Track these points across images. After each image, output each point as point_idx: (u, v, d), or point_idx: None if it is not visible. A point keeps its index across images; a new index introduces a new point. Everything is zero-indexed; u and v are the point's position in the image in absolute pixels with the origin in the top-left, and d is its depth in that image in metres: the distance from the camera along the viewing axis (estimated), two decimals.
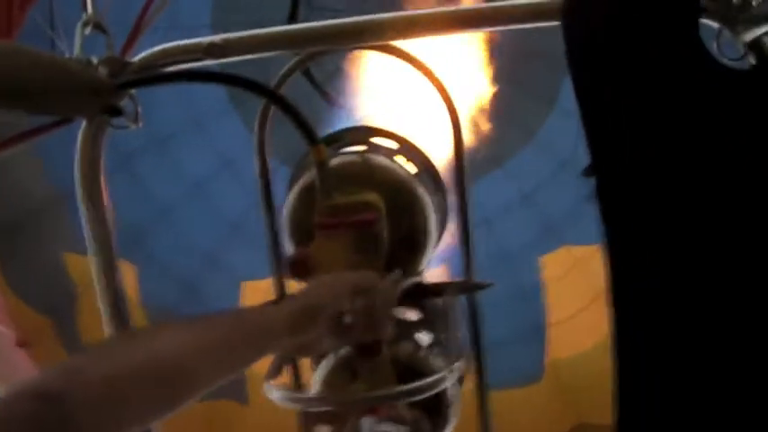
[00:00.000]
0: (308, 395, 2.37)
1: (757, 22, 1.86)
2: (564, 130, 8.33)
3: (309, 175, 2.26)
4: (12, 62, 1.98)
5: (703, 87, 1.84)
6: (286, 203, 2.38)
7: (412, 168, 2.47)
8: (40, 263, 8.70)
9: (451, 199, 2.55)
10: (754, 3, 1.85)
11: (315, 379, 2.37)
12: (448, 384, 2.15)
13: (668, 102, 1.85)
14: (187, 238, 10.09)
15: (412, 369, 2.18)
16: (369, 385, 2.08)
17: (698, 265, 1.87)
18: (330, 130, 2.59)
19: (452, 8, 2.22)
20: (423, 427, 2.19)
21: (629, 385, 1.93)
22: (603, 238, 1.92)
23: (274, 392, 2.00)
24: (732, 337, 1.85)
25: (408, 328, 2.40)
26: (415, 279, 2.39)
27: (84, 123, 2.33)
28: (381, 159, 2.40)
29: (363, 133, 2.60)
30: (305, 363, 2.54)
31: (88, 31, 2.33)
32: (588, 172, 1.89)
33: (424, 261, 2.41)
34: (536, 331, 10.09)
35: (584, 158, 1.88)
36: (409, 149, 2.54)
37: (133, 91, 2.28)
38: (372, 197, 2.15)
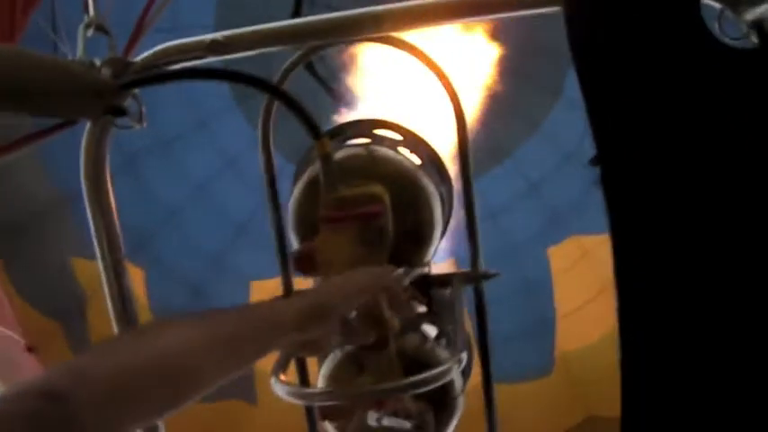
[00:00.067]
0: (314, 390, 2.37)
1: (759, 0, 1.85)
2: (569, 120, 8.32)
3: (314, 169, 2.27)
4: (15, 65, 1.99)
5: (706, 70, 1.84)
6: (291, 198, 2.39)
7: (416, 160, 2.47)
8: (47, 266, 8.70)
9: (457, 190, 2.55)
10: None
11: (321, 373, 2.38)
12: (454, 375, 2.15)
13: (671, 85, 1.85)
14: (193, 239, 10.10)
15: (418, 361, 2.18)
16: (375, 379, 2.08)
17: (704, 254, 1.87)
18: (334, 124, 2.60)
19: None
20: (428, 420, 2.20)
21: (633, 377, 1.93)
22: (609, 227, 1.93)
23: (280, 388, 2.00)
24: (738, 327, 1.85)
25: (415, 320, 2.40)
26: (421, 270, 2.40)
27: (88, 125, 2.33)
28: (385, 151, 2.40)
29: (367, 126, 2.60)
30: (311, 358, 2.55)
31: (90, 32, 2.34)
32: (594, 161, 1.89)
33: (430, 252, 2.41)
34: (545, 324, 10.08)
35: (590, 149, 1.88)
36: (413, 141, 2.54)
37: (136, 91, 2.29)
38: (377, 189, 2.16)
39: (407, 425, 2.12)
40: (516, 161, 10.34)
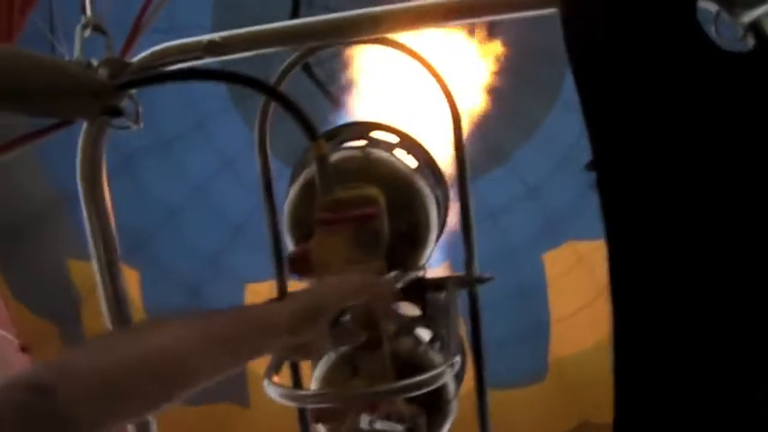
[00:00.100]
0: (307, 392, 2.37)
1: (755, 3, 1.86)
2: (567, 123, 8.33)
3: (310, 171, 2.27)
4: (12, 65, 1.99)
5: (702, 73, 1.84)
6: (287, 200, 2.39)
7: (412, 162, 2.47)
8: (43, 267, 8.71)
9: (453, 192, 2.55)
10: None
11: (314, 376, 2.37)
12: (447, 378, 2.15)
13: (667, 88, 1.85)
14: (189, 241, 10.11)
15: (412, 365, 2.18)
16: (369, 382, 2.08)
17: (701, 260, 1.87)
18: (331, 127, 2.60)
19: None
20: (421, 424, 2.20)
21: (626, 383, 1.93)
22: (605, 232, 1.93)
23: (273, 390, 2.00)
24: (733, 332, 1.86)
25: (409, 324, 2.40)
26: (416, 273, 2.40)
27: (85, 125, 2.33)
28: (381, 154, 2.40)
29: (363, 128, 2.60)
30: (305, 361, 2.55)
31: (88, 33, 2.34)
32: (591, 166, 1.89)
33: (425, 255, 2.41)
34: (539, 329, 10.09)
35: (587, 152, 1.88)
36: (409, 143, 2.54)
37: (133, 91, 2.29)
38: (373, 191, 2.16)
39: (400, 428, 2.12)
40: (513, 164, 10.35)
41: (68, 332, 8.60)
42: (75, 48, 2.28)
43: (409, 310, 2.49)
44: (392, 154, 2.44)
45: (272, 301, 1.96)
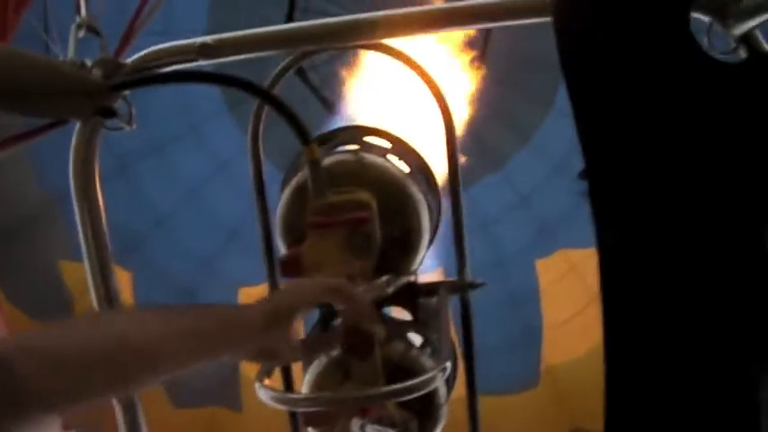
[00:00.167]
0: (299, 395, 2.37)
1: (748, 14, 1.86)
2: (561, 132, 8.34)
3: (302, 175, 2.26)
4: (6, 64, 1.99)
5: (695, 84, 1.84)
6: (279, 204, 2.38)
7: (405, 168, 2.47)
8: (35, 268, 8.70)
9: (446, 198, 2.55)
10: None
11: (305, 380, 2.37)
12: (438, 383, 2.15)
13: (659, 98, 1.85)
14: (183, 243, 10.11)
15: (403, 369, 2.18)
16: (360, 386, 2.08)
17: (692, 269, 1.87)
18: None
19: (446, 5, 2.22)
20: (412, 429, 2.19)
21: (617, 390, 1.94)
22: (596, 239, 1.93)
23: (264, 393, 2.00)
24: (723, 340, 1.86)
25: (400, 328, 2.40)
26: (408, 278, 2.40)
27: (78, 125, 2.33)
28: (374, 158, 2.40)
29: (357, 133, 2.60)
30: (296, 365, 2.55)
31: (82, 33, 2.34)
32: (584, 174, 1.89)
33: (417, 260, 2.41)
34: (531, 336, 10.09)
35: (581, 161, 1.89)
36: (402, 149, 2.54)
37: (127, 93, 2.28)
38: (365, 196, 2.15)
39: None
40: (507, 171, 10.36)
41: None
42: (70, 48, 2.28)
43: (401, 314, 2.49)
44: (385, 159, 2.44)
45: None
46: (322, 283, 1.91)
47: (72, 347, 1.34)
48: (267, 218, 2.56)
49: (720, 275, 1.84)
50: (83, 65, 2.24)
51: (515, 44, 8.63)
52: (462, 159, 2.52)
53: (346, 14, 2.30)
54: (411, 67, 2.39)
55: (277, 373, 2.42)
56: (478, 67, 9.46)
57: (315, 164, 2.10)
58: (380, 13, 2.26)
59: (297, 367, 2.57)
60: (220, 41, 2.28)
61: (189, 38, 2.31)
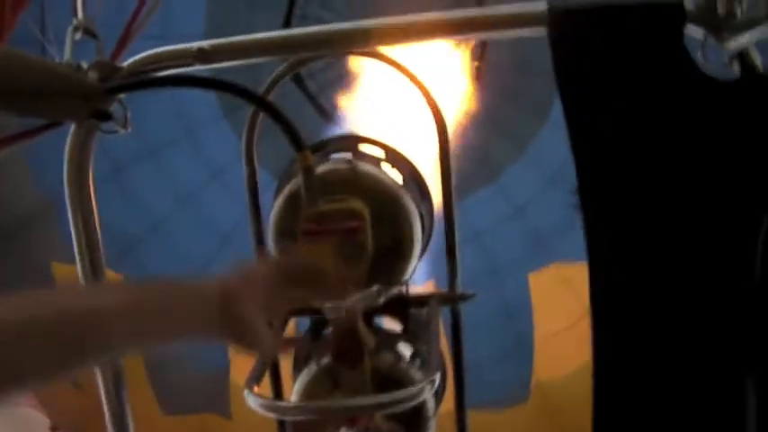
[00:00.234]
0: (288, 403, 2.37)
1: (742, 28, 1.86)
2: (556, 144, 8.32)
3: (296, 182, 2.26)
4: (2, 64, 1.99)
5: (688, 99, 1.85)
6: (272, 211, 2.38)
7: (398, 177, 2.47)
8: (27, 270, 8.67)
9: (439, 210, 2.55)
10: (738, 11, 1.86)
11: (295, 389, 2.37)
12: (427, 395, 2.15)
13: (653, 113, 1.86)
14: (177, 248, 10.08)
15: (392, 380, 2.18)
16: (349, 396, 2.08)
17: (684, 283, 1.88)
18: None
19: (442, 14, 2.22)
20: None
21: (605, 405, 1.95)
22: (587, 252, 1.93)
23: (253, 400, 1.99)
24: (712, 354, 1.87)
25: (390, 339, 2.40)
26: (399, 288, 2.40)
27: (73, 127, 2.33)
28: (367, 167, 2.40)
29: (351, 141, 2.61)
30: (286, 372, 2.55)
31: (78, 36, 2.34)
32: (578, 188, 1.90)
33: (409, 270, 2.41)
34: (522, 351, 10.07)
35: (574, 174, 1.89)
36: (396, 158, 2.54)
37: (122, 96, 2.28)
38: (357, 205, 2.15)
39: None
40: (502, 183, 10.36)
41: None
42: (66, 50, 2.28)
43: (391, 325, 2.49)
44: (379, 168, 2.44)
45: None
46: (292, 265, 1.89)
47: (21, 318, 1.31)
48: (260, 225, 2.56)
49: (713, 286, 1.85)
50: (79, 67, 2.24)
51: (511, 53, 8.63)
52: (456, 169, 2.52)
53: (345, 21, 2.30)
54: (406, 76, 2.39)
55: (266, 381, 2.42)
56: (476, 78, 9.46)
57: (308, 171, 2.10)
58: (377, 20, 2.26)
59: (286, 375, 2.57)
60: (217, 47, 2.27)
61: (186, 42, 2.31)
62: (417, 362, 2.37)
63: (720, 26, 1.89)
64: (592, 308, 1.96)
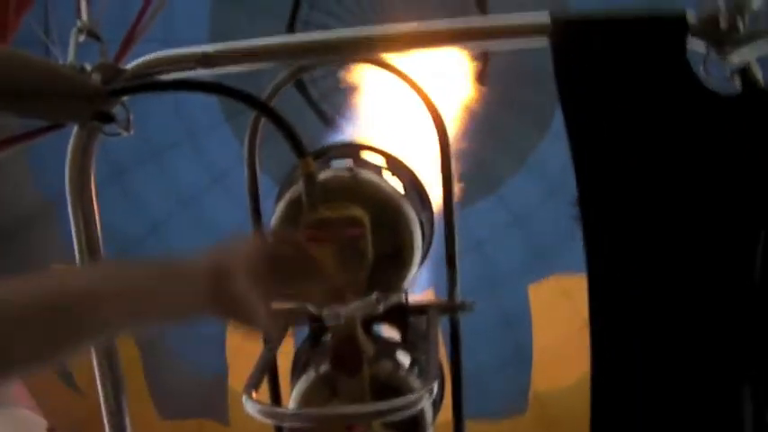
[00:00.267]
0: (286, 410, 2.36)
1: (743, 42, 1.86)
2: (557, 155, 8.32)
3: (296, 189, 2.26)
4: (3, 64, 1.98)
5: (689, 112, 1.85)
6: (273, 216, 2.38)
7: (399, 185, 2.47)
8: (28, 271, 8.65)
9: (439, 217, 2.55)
10: (741, 25, 1.86)
11: (292, 396, 2.37)
12: (425, 404, 2.14)
13: (654, 126, 1.86)
14: (177, 252, 10.07)
15: (391, 388, 2.18)
16: (347, 403, 2.08)
17: (683, 295, 1.88)
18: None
19: (445, 22, 2.22)
20: None
21: (602, 417, 1.95)
22: (586, 264, 1.93)
23: (251, 405, 1.99)
24: (710, 368, 1.87)
25: (389, 347, 2.40)
26: (398, 296, 2.39)
27: (75, 129, 2.32)
28: (369, 174, 2.39)
29: (353, 148, 2.61)
30: (285, 379, 2.54)
31: (82, 38, 2.34)
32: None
33: (409, 278, 2.41)
34: (521, 362, 10.06)
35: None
36: (397, 166, 2.54)
37: (125, 98, 2.28)
38: (358, 212, 2.15)
39: None
40: (502, 193, 10.35)
41: None
42: (70, 52, 2.27)
43: (390, 333, 2.49)
44: (380, 175, 2.44)
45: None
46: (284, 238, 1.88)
47: (9, 299, 1.33)
48: (261, 228, 2.56)
49: (711, 301, 1.86)
50: (82, 69, 2.24)
51: (512, 64, 8.62)
52: (457, 178, 2.51)
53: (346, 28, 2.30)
54: (409, 84, 2.39)
55: (264, 388, 2.41)
56: (478, 87, 9.46)
57: (309, 177, 2.09)
58: (381, 28, 2.26)
59: (284, 381, 2.57)
60: (221, 52, 2.28)
61: (188, 46, 2.31)
62: (416, 370, 2.37)
63: (722, 40, 1.89)
64: (590, 320, 1.96)
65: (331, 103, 9.47)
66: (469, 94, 9.40)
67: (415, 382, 2.28)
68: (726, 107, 1.86)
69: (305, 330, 2.53)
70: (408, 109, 2.49)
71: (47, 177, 7.96)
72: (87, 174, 2.36)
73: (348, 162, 2.50)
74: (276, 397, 2.62)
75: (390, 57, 2.35)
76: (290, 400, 2.37)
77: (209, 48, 2.26)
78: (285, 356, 2.47)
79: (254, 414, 1.98)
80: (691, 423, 1.91)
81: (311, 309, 2.24)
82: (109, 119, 2.25)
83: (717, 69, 1.91)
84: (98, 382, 2.46)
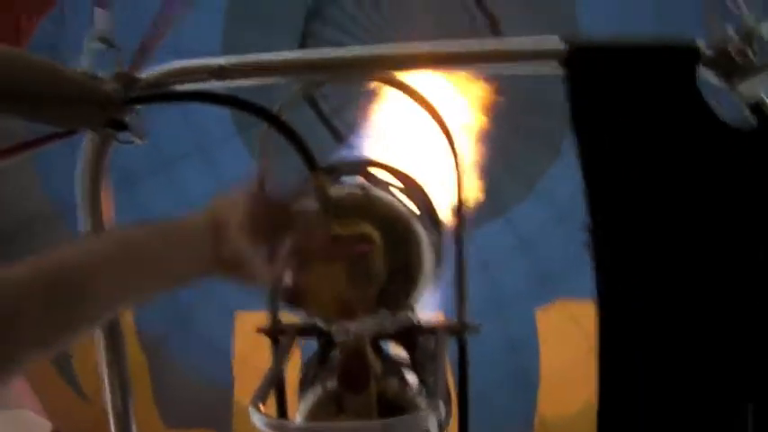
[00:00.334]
0: (293, 424, 2.36)
1: (752, 72, 1.86)
2: (567, 181, 8.32)
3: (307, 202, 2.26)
4: (16, 66, 1.98)
5: (701, 142, 1.85)
6: None
7: (410, 203, 2.47)
8: None
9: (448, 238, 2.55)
10: (750, 55, 1.86)
11: (299, 411, 2.36)
12: (432, 423, 2.13)
13: (665, 155, 1.87)
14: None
15: (397, 407, 2.18)
16: (353, 420, 2.08)
17: (692, 322, 1.88)
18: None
19: (457, 43, 2.22)
20: None
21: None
22: (596, 289, 1.93)
23: (258, 418, 1.99)
24: (716, 390, 1.87)
25: (397, 366, 2.39)
26: (407, 315, 2.39)
27: (88, 136, 2.32)
28: (380, 192, 2.39)
29: (364, 165, 2.61)
30: (292, 391, 2.53)
31: (97, 45, 2.33)
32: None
33: (418, 297, 2.40)
34: (527, 386, 10.02)
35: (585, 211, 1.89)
36: (409, 184, 2.54)
37: (138, 107, 2.28)
38: (368, 229, 2.16)
39: None
40: (511, 217, 10.34)
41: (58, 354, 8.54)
42: (84, 59, 2.27)
43: (397, 351, 2.48)
44: (391, 193, 2.44)
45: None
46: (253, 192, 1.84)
47: (11, 277, 1.30)
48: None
49: (720, 329, 1.86)
50: (96, 76, 2.23)
51: (522, 89, 8.62)
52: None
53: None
54: (420, 103, 2.39)
55: (271, 401, 2.41)
56: (488, 111, 9.47)
57: (321, 193, 2.09)
58: (392, 46, 2.27)
59: (291, 395, 2.56)
60: (236, 65, 2.28)
61: (201, 57, 2.31)
62: (423, 390, 2.36)
63: (731, 71, 1.88)
64: (598, 346, 1.96)
65: (342, 119, 9.48)
66: (477, 119, 9.41)
67: (421, 401, 2.27)
68: (736, 137, 1.86)
69: (313, 345, 2.52)
70: (424, 127, 2.49)
71: (54, 181, 7.97)
72: (99, 181, 2.36)
73: (359, 179, 2.51)
74: (282, 411, 2.61)
75: (403, 75, 2.35)
76: (297, 415, 2.36)
77: (224, 60, 2.26)
78: (292, 370, 2.47)
79: (261, 427, 1.98)
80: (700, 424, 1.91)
81: (320, 324, 2.24)
82: (122, 126, 2.24)
83: (728, 100, 1.91)
84: (105, 383, 2.46)
